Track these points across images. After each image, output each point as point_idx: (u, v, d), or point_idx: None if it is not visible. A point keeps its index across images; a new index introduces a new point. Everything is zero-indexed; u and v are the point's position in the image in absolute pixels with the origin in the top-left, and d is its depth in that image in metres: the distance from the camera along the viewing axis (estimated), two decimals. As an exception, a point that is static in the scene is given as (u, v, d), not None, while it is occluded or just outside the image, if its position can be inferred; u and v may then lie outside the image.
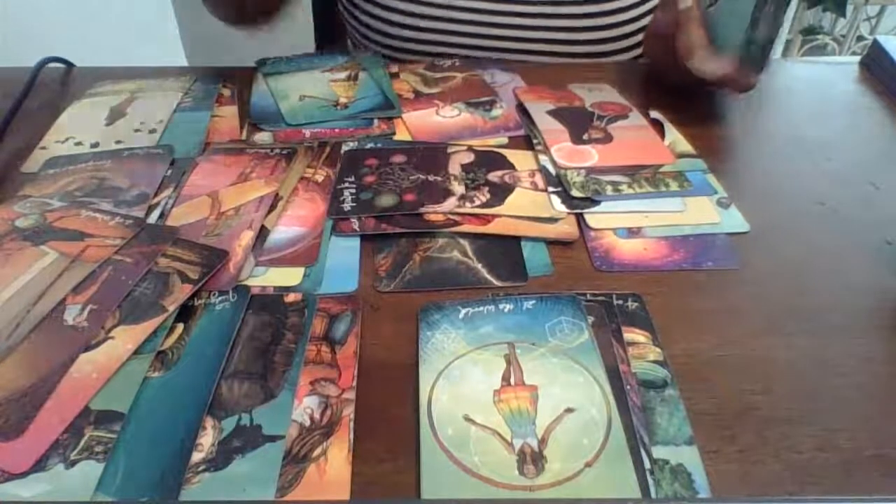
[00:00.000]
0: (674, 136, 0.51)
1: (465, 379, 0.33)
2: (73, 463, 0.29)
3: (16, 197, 0.44)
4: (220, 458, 0.30)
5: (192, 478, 0.29)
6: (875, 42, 0.62)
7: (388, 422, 0.32)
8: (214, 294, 0.38)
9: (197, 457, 0.30)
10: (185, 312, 0.36)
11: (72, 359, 0.33)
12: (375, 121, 0.53)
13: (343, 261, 0.41)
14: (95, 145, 0.50)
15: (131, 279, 0.37)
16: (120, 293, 0.36)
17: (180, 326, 0.36)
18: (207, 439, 0.30)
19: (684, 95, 0.56)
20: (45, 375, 0.32)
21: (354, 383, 0.33)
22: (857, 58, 0.64)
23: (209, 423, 0.31)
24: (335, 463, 0.29)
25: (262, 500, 0.28)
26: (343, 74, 0.58)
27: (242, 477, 0.29)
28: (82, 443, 0.30)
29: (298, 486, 0.29)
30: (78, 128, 0.52)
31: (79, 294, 0.37)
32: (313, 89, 0.56)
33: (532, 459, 0.30)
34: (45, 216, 0.42)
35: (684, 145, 0.50)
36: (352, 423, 0.31)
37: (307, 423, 0.31)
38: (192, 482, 0.29)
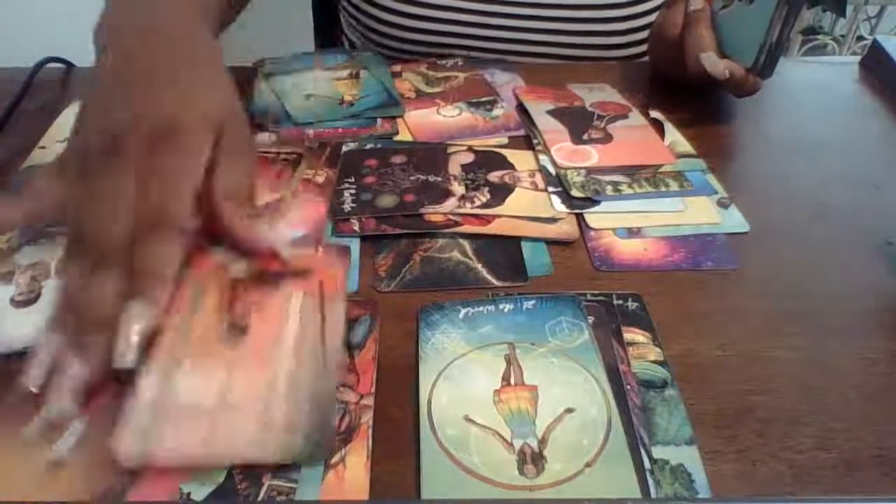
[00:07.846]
0: (674, 136, 0.51)
1: (465, 379, 0.33)
2: None
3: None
4: None
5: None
6: (875, 42, 0.62)
7: (389, 422, 0.32)
8: None
9: None
10: None
11: None
12: (379, 120, 0.53)
13: (343, 261, 0.41)
14: (95, 145, 0.50)
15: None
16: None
17: None
18: None
19: (684, 95, 0.56)
20: None
21: (373, 389, 0.33)
22: (857, 58, 0.64)
23: None
24: (354, 470, 0.29)
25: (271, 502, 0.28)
26: (345, 73, 0.58)
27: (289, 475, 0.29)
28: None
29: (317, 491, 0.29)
30: (78, 128, 0.52)
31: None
32: (317, 88, 0.56)
33: (532, 459, 0.30)
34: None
35: (684, 145, 0.50)
36: (370, 431, 0.31)
37: None
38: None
